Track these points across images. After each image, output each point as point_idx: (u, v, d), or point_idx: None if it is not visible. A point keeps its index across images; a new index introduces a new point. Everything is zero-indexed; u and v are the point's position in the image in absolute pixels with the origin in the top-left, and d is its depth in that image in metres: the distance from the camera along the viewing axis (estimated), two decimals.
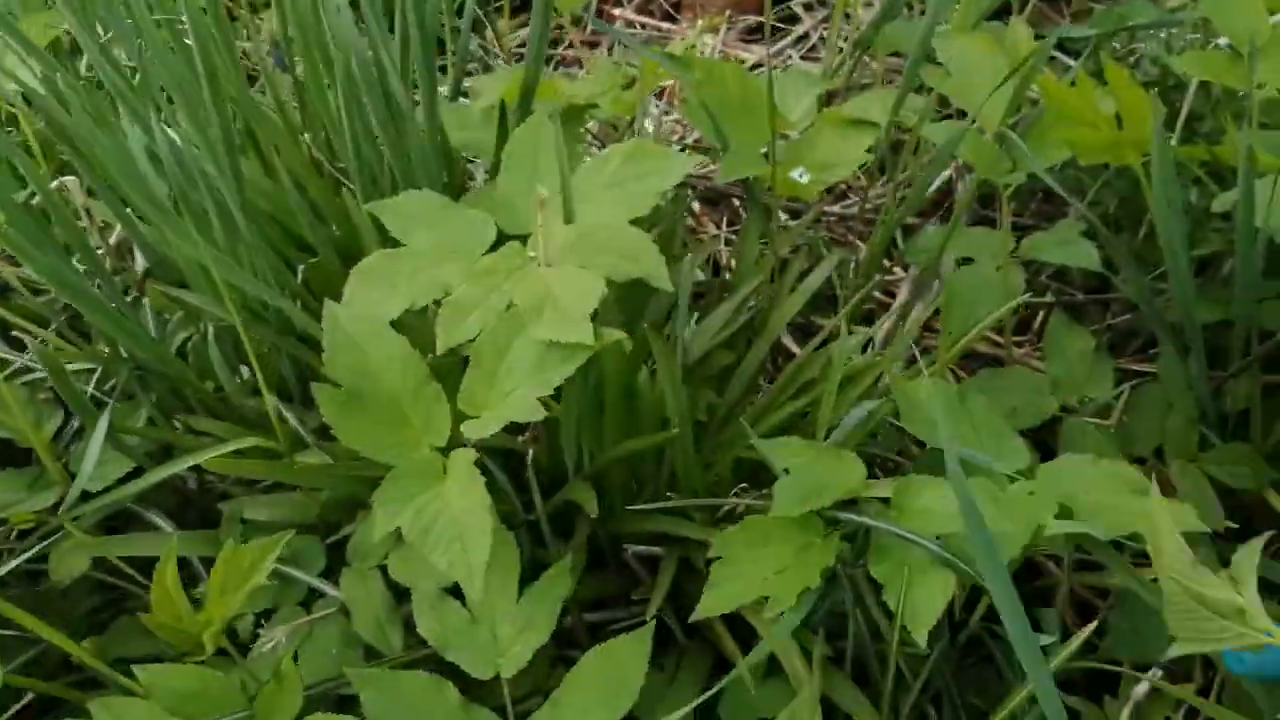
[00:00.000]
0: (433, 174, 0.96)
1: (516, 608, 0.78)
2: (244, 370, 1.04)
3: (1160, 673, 0.89)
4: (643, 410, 0.94)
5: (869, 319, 1.31)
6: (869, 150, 1.04)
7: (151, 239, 0.97)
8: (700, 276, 1.35)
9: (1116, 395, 1.09)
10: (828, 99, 1.35)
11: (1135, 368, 1.19)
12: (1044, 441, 1.05)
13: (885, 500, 0.78)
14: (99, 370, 1.02)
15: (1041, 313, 1.28)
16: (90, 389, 1.04)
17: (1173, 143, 1.11)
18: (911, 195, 1.01)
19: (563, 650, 0.92)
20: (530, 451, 0.94)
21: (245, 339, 0.83)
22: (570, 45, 1.86)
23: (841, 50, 1.38)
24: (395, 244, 0.85)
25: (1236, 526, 0.98)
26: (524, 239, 0.84)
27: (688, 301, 1.20)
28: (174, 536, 0.89)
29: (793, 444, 0.81)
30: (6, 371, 0.99)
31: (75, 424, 1.03)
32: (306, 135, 1.06)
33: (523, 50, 1.79)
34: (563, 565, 0.81)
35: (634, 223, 0.83)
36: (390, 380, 0.77)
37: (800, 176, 1.04)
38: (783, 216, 1.41)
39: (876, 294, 1.33)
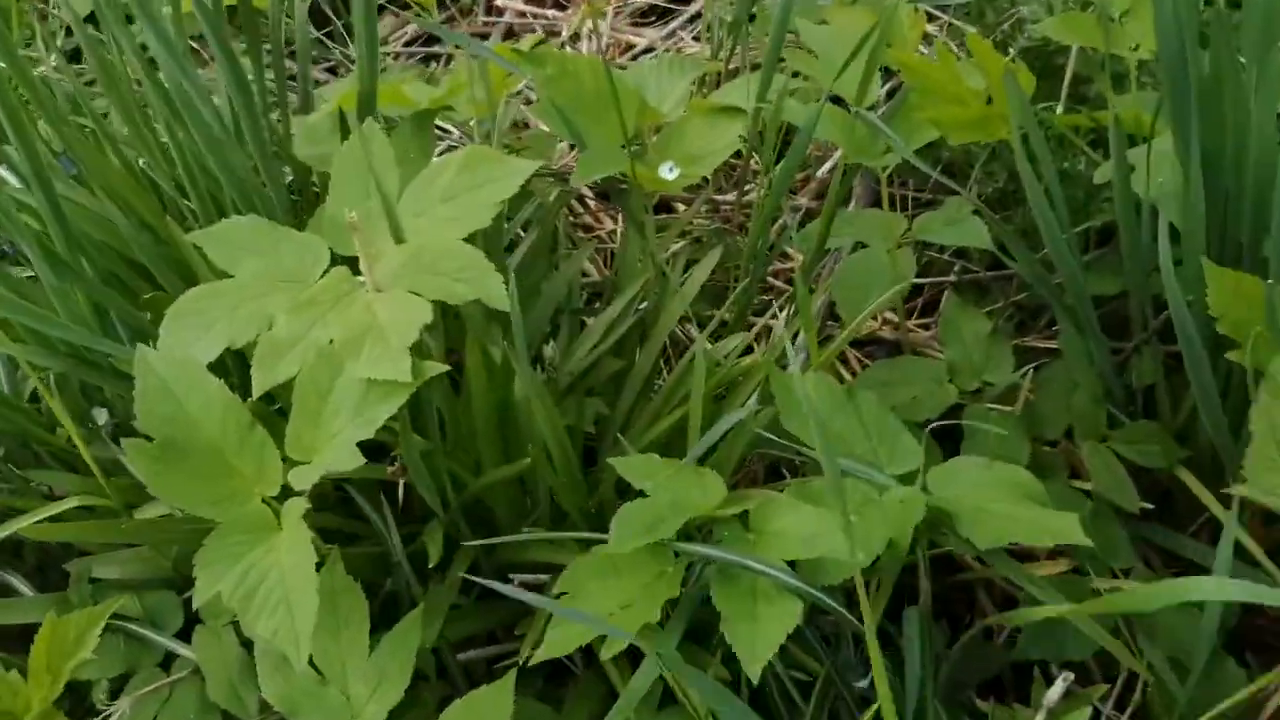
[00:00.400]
0: (265, 195, 0.90)
1: (368, 663, 0.73)
2: (100, 415, 0.98)
3: (1073, 676, 0.86)
4: (523, 429, 0.89)
5: (767, 309, 1.27)
6: (739, 139, 0.99)
7: None
8: (595, 276, 1.30)
9: (1022, 375, 1.05)
10: (714, 84, 1.30)
11: (1043, 344, 1.16)
12: (954, 430, 1.02)
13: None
14: None
15: (946, 292, 1.23)
16: None
17: (1059, 110, 1.07)
18: (776, 181, 0.96)
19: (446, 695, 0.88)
20: (401, 482, 0.90)
21: (45, 394, 0.77)
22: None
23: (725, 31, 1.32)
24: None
25: (1152, 507, 0.95)
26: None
27: (578, 304, 1.16)
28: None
29: (651, 463, 0.76)
30: None
31: None
32: (136, 157, 0.99)
33: (409, 50, 1.72)
34: (415, 616, 0.76)
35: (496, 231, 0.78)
36: (210, 429, 0.71)
37: (669, 172, 0.99)
38: (680, 208, 1.36)
39: (777, 282, 1.28)
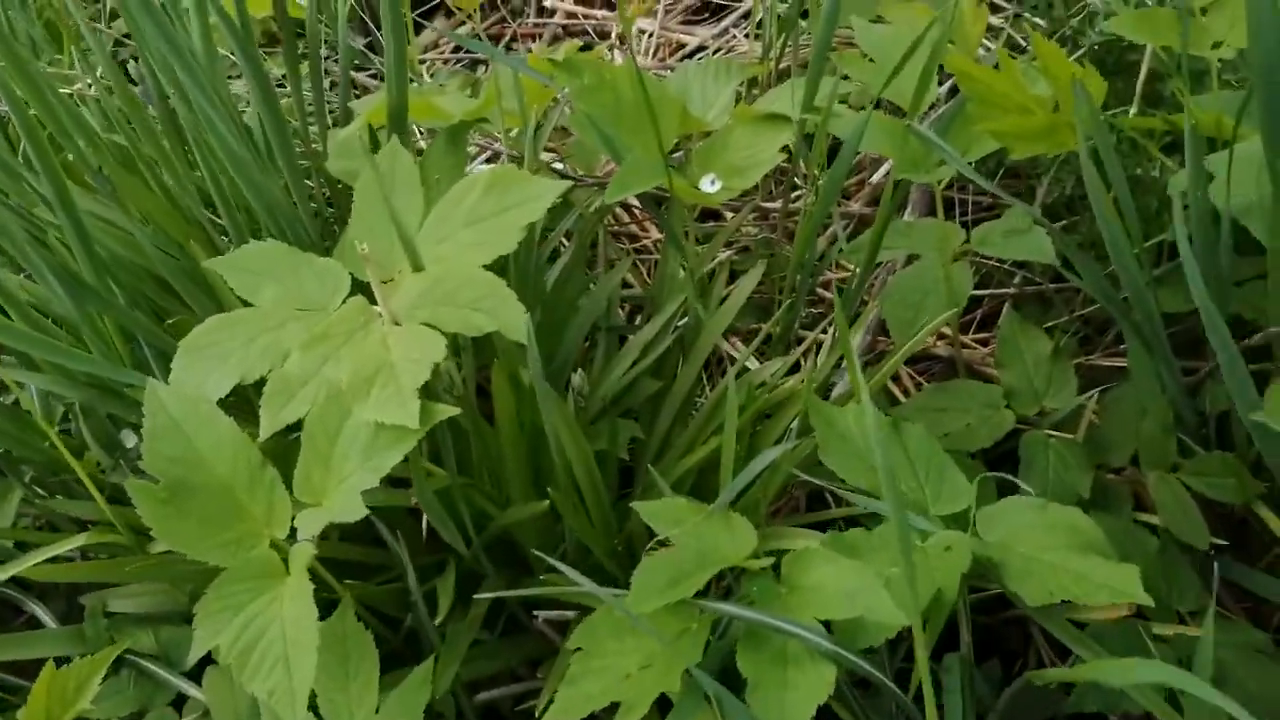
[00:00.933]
0: (294, 215, 0.87)
1: (378, 718, 0.69)
2: (128, 439, 0.97)
3: None
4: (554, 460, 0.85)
5: (823, 325, 1.21)
6: (784, 149, 0.93)
7: None
8: (638, 289, 1.26)
9: (1086, 399, 0.98)
10: (766, 85, 1.24)
11: (1109, 363, 1.08)
12: (1011, 456, 0.95)
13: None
14: None
15: (1007, 305, 1.16)
16: None
17: (1132, 112, 0.99)
18: (822, 194, 0.90)
19: None
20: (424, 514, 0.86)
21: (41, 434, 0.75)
22: (514, 38, 1.76)
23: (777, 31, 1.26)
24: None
25: (1225, 544, 0.87)
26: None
27: (617, 320, 1.12)
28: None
29: (676, 508, 0.72)
30: None
31: None
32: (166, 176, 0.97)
33: (456, 55, 1.69)
34: (425, 670, 0.73)
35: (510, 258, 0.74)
36: (220, 468, 0.69)
37: (710, 185, 0.93)
38: (727, 215, 1.31)
39: (828, 294, 1.22)
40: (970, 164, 0.90)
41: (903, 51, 0.93)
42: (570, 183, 0.76)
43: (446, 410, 0.64)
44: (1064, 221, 1.15)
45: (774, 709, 0.61)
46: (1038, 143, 0.83)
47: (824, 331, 1.11)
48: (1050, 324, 1.09)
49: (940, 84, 1.21)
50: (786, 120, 0.94)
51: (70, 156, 0.99)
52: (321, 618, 0.75)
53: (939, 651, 0.77)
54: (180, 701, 0.81)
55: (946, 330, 1.13)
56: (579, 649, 0.67)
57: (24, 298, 0.88)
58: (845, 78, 1.08)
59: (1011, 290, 1.15)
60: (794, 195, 1.28)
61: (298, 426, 0.68)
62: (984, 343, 1.13)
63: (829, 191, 0.89)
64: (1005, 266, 1.17)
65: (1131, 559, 0.72)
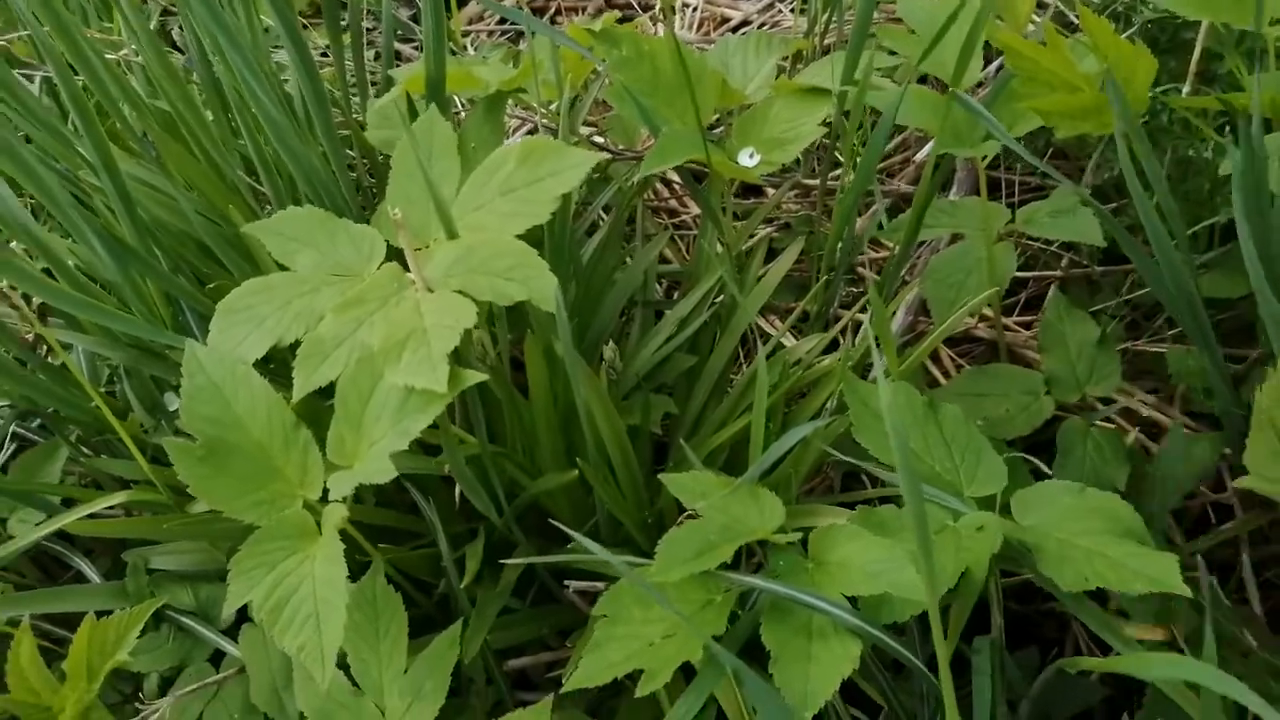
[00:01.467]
0: (331, 182, 0.88)
1: (405, 678, 0.70)
2: (171, 401, 0.98)
3: None
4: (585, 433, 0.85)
5: (856, 302, 1.20)
6: (824, 123, 0.92)
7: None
8: (675, 264, 1.25)
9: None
10: (809, 61, 1.23)
11: (1157, 349, 1.06)
12: (1049, 445, 0.94)
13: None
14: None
15: (1053, 288, 1.14)
16: (12, 426, 0.99)
17: (1185, 91, 0.97)
18: (859, 171, 0.89)
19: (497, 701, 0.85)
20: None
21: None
22: (558, 11, 1.75)
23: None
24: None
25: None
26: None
27: (653, 295, 1.11)
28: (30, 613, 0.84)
29: (704, 481, 0.71)
30: None
31: (2, 459, 0.99)
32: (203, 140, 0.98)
33: (501, 27, 1.69)
34: (453, 632, 0.73)
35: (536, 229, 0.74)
36: (256, 429, 0.70)
37: (749, 159, 0.93)
38: (768, 191, 1.29)
39: (868, 273, 1.21)
40: (1017, 140, 0.88)
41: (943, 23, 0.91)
42: (605, 154, 0.76)
43: (475, 376, 0.64)
44: (1113, 204, 1.13)
45: (797, 681, 0.61)
46: (1084, 122, 0.81)
47: (862, 310, 1.09)
48: (1096, 308, 1.06)
49: (986, 65, 1.19)
50: (828, 93, 0.93)
51: (116, 123, 1.01)
52: (354, 579, 0.77)
53: (971, 635, 0.77)
54: (218, 657, 0.83)
55: (989, 312, 1.11)
56: (604, 616, 0.67)
57: (70, 261, 0.90)
58: (891, 52, 1.07)
59: (1057, 273, 1.13)
60: (834, 173, 1.27)
61: (331, 390, 0.69)
62: (1027, 325, 1.12)
63: (867, 165, 0.88)
64: (1051, 248, 1.15)
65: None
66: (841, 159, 1.22)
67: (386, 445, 0.64)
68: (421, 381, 0.63)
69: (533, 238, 0.75)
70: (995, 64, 1.20)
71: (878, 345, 0.98)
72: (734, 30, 1.48)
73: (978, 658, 0.74)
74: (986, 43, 0.95)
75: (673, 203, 1.32)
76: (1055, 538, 0.69)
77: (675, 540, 0.66)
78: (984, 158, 0.90)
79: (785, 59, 1.18)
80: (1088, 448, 0.89)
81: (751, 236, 1.13)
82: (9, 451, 0.97)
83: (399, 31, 1.52)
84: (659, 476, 0.73)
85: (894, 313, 1.12)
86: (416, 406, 0.64)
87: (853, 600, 0.64)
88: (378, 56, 1.32)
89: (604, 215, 1.19)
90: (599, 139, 1.30)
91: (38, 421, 1.01)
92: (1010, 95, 0.88)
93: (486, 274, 0.70)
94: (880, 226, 1.04)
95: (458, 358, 0.66)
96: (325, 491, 0.69)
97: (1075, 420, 0.91)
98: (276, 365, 0.84)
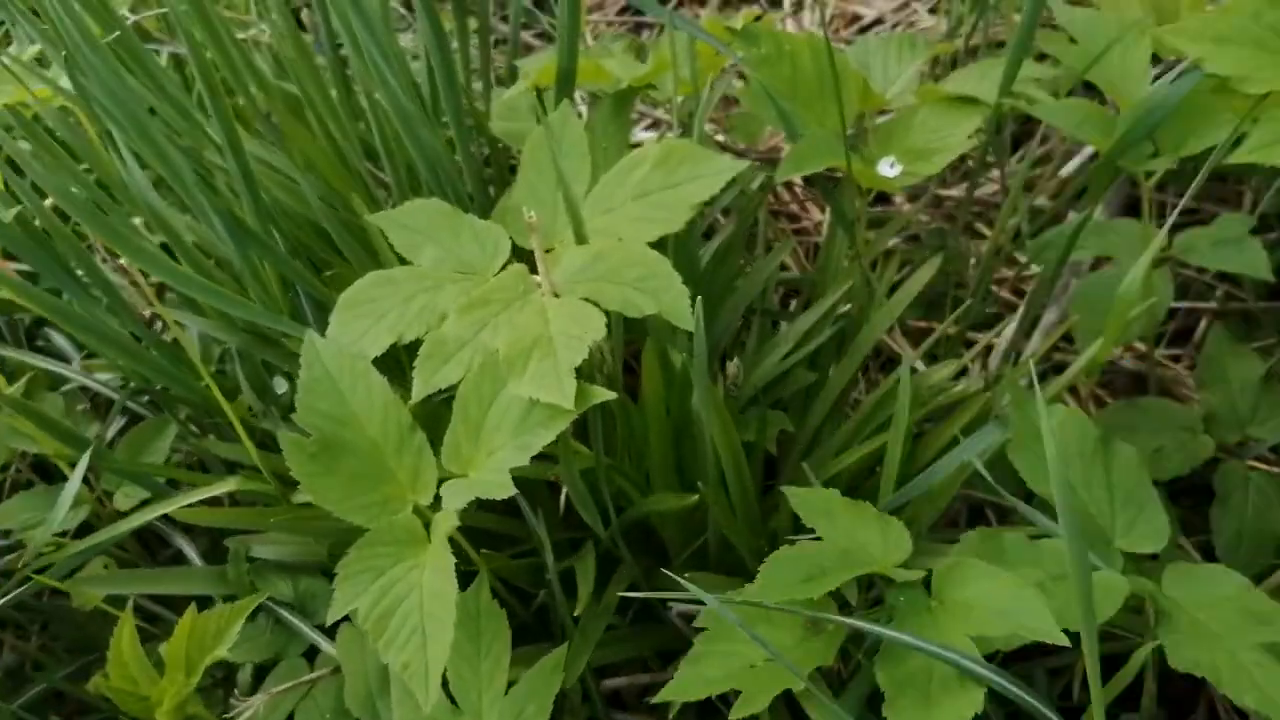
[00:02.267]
0: (457, 173, 0.85)
1: (506, 700, 0.67)
2: (280, 385, 0.97)
3: None
4: (699, 449, 0.81)
5: (994, 323, 1.13)
6: (974, 134, 0.86)
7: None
8: (795, 271, 1.20)
9: None
10: (949, 65, 1.16)
11: None
12: (1203, 484, 0.86)
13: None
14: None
15: (1204, 320, 1.06)
16: (126, 402, 0.99)
17: None
18: (1011, 191, 0.83)
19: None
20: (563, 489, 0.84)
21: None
22: (680, 3, 1.71)
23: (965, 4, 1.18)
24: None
25: None
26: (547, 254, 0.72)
27: (772, 305, 1.07)
28: (130, 604, 0.83)
29: (830, 500, 0.67)
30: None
31: (111, 433, 0.99)
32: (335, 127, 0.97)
33: (621, 19, 1.65)
34: (559, 655, 0.70)
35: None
36: (371, 427, 0.67)
37: (889, 169, 0.87)
38: (898, 200, 1.23)
39: (1003, 293, 1.14)
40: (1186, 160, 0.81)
41: (1109, 33, 0.84)
42: (747, 162, 0.72)
43: (602, 394, 0.61)
44: (1275, 234, 1.04)
45: None
46: None
47: (998, 335, 1.03)
48: (1256, 345, 0.98)
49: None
50: (979, 104, 0.87)
51: (241, 101, 1.00)
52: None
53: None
54: (312, 652, 0.81)
55: (1136, 343, 1.04)
56: (706, 629, 0.63)
57: (189, 239, 0.90)
58: (1043, 58, 1.00)
59: (1212, 305, 1.05)
60: (975, 184, 1.20)
61: (447, 392, 0.66)
62: (1175, 359, 1.04)
63: (1021, 180, 0.82)
64: (1206, 279, 1.07)
65: None
66: (988, 164, 1.16)
67: (505, 458, 0.61)
68: (547, 395, 0.59)
69: (655, 244, 0.71)
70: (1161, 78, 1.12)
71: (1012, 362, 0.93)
72: (866, 29, 1.42)
73: None
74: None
75: (794, 208, 1.27)
76: (1190, 616, 0.63)
77: (783, 560, 0.62)
78: (1149, 175, 0.83)
79: (926, 62, 1.12)
80: (1249, 493, 0.81)
81: (882, 248, 1.08)
82: (119, 425, 0.97)
83: (521, 19, 1.49)
84: (781, 489, 0.69)
85: (1028, 337, 1.05)
86: (539, 420, 0.61)
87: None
88: (499, 44, 1.30)
89: (720, 217, 1.14)
90: (720, 137, 1.26)
91: (148, 397, 1.01)
92: (1184, 110, 0.81)
93: (616, 283, 0.67)
94: (1025, 243, 0.97)
95: (579, 367, 0.63)
96: (436, 497, 0.66)
97: (1235, 463, 0.83)
98: (389, 364, 0.82)
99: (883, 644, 0.60)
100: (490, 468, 0.62)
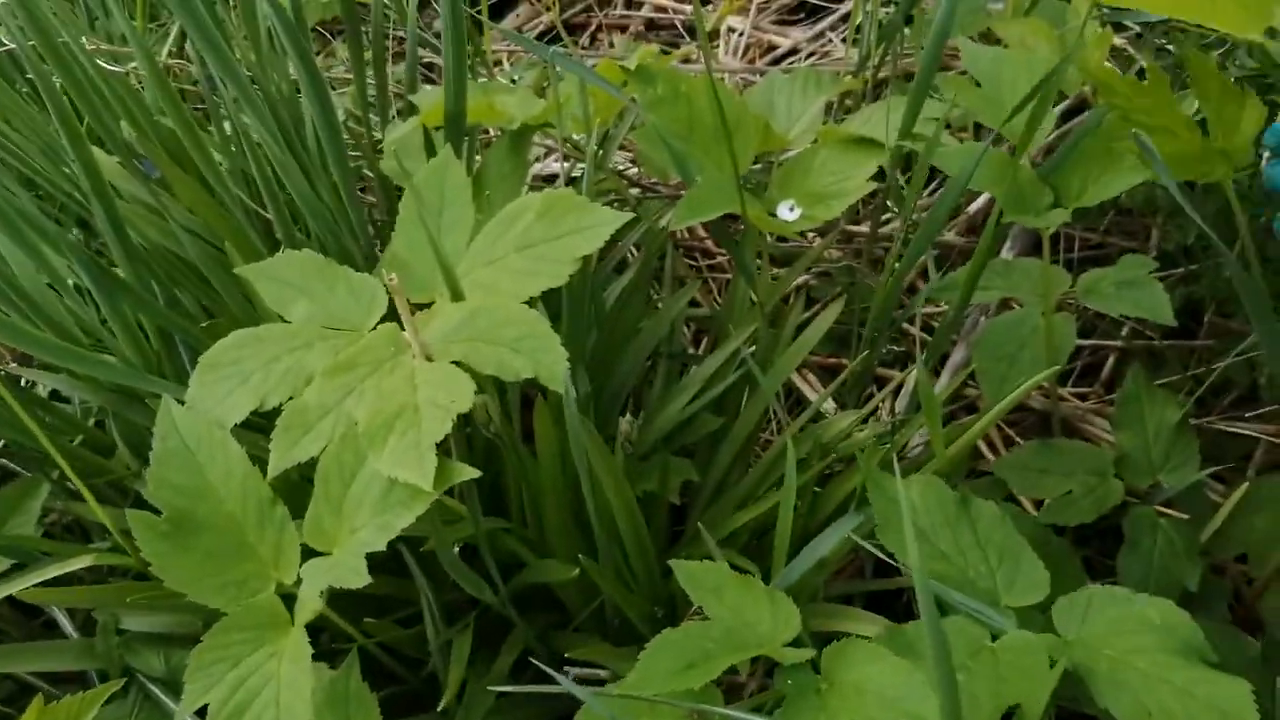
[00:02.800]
0: (336, 219, 0.82)
1: None
2: None
3: None
4: (592, 508, 0.78)
5: (905, 360, 1.12)
6: (874, 178, 0.84)
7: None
8: (705, 309, 1.18)
9: (1207, 473, 0.86)
10: (860, 98, 1.15)
11: (1228, 428, 0.97)
12: (1110, 528, 0.85)
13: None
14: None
15: (1111, 357, 1.05)
16: None
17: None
18: (921, 232, 0.81)
19: None
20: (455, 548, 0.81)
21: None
22: (599, 29, 1.69)
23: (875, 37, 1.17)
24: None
25: None
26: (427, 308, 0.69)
27: (680, 348, 1.04)
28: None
29: (718, 575, 0.64)
30: None
31: None
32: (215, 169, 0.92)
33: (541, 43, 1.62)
34: None
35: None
36: (230, 501, 0.63)
37: (788, 212, 0.85)
38: (809, 235, 1.22)
39: (913, 329, 1.13)
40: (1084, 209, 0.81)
41: (1014, 76, 0.83)
42: (629, 215, 0.69)
43: (467, 471, 0.58)
44: (1181, 269, 1.04)
45: None
46: (1184, 168, 0.73)
47: (906, 374, 1.02)
48: (1161, 381, 0.98)
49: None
50: (879, 145, 0.85)
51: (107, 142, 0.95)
52: (332, 663, 0.71)
53: None
54: None
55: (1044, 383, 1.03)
56: None
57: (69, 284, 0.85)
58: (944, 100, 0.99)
59: (1118, 343, 1.04)
60: (882, 219, 1.19)
61: (311, 465, 0.63)
62: (1082, 397, 1.03)
63: (928, 231, 0.80)
64: (1111, 316, 1.06)
65: (1230, 668, 0.63)
66: (891, 207, 1.15)
67: (365, 539, 0.57)
68: (406, 475, 0.56)
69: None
70: (1062, 106, 1.11)
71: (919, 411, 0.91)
72: (781, 59, 1.41)
73: None
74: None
75: (708, 243, 1.25)
76: (1106, 655, 0.61)
77: (665, 645, 0.59)
78: (1048, 227, 0.82)
79: (834, 96, 1.10)
80: (1158, 540, 0.80)
81: (788, 287, 1.06)
82: None
83: (430, 46, 1.45)
84: (670, 562, 0.66)
85: (937, 374, 1.04)
86: (400, 500, 0.58)
87: None
88: (407, 70, 1.27)
89: (634, 251, 1.12)
90: (633, 171, 1.23)
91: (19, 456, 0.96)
92: (1080, 158, 0.80)
93: (491, 343, 0.63)
94: (930, 285, 0.96)
95: (458, 423, 0.60)
96: (299, 579, 0.63)
97: (1144, 509, 0.82)
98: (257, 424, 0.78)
99: None
100: (351, 549, 0.58)
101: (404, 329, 0.66)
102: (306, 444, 0.61)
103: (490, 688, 0.65)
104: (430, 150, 0.91)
